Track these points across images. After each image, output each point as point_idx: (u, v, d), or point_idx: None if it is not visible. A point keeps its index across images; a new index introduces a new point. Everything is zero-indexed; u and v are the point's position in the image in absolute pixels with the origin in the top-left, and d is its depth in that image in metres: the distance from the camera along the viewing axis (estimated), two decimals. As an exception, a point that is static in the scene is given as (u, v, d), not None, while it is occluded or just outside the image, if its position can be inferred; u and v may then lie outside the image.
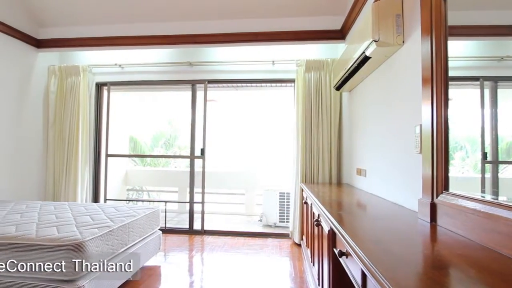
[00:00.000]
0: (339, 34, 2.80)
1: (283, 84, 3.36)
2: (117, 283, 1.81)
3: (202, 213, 3.33)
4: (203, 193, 3.33)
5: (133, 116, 5.67)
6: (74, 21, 3.08)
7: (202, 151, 3.33)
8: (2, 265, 1.46)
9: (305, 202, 2.44)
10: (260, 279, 2.16)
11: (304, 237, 2.70)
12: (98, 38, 3.07)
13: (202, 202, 3.33)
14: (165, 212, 3.51)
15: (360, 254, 0.72)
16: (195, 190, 3.45)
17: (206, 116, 3.33)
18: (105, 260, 1.65)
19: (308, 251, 2.21)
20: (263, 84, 3.43)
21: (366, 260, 0.67)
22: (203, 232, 3.31)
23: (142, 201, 5.74)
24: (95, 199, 3.54)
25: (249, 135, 6.59)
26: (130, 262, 1.91)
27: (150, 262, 2.39)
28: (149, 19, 2.96)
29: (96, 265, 1.55)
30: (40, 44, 3.18)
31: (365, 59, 1.73)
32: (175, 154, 7.31)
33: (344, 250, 0.95)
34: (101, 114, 3.56)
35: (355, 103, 2.58)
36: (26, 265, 1.45)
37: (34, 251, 1.46)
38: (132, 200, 5.56)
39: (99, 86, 3.54)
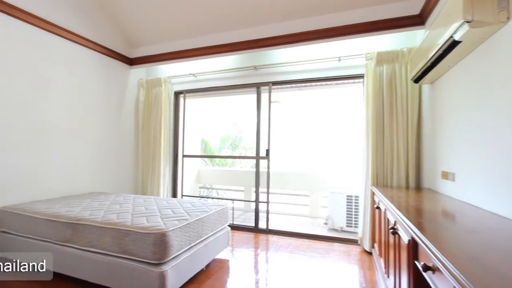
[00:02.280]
0: (417, 20, 2.48)
1: (350, 81, 3.16)
2: (194, 270, 2.00)
3: (267, 212, 3.40)
4: (268, 193, 3.40)
5: (204, 119, 6.18)
6: (157, 40, 3.55)
7: (267, 151, 3.40)
8: (112, 248, 1.78)
9: (377, 207, 2.24)
10: (327, 286, 2.07)
11: (376, 245, 2.48)
12: (176, 52, 3.46)
13: (267, 202, 3.39)
14: (233, 209, 3.72)
15: (454, 272, 0.62)
16: (260, 189, 3.54)
17: (270, 117, 3.39)
18: (183, 250, 1.85)
19: (381, 260, 2.02)
20: (328, 82, 3.29)
21: (463, 280, 0.57)
22: (267, 231, 3.38)
23: (212, 198, 6.20)
24: (174, 194, 4.00)
25: (314, 135, 6.43)
26: (203, 253, 2.10)
27: (220, 256, 2.56)
28: (218, 29, 3.18)
29: (176, 253, 1.75)
30: (132, 62, 3.78)
31: (453, 45, 1.48)
32: (241, 155, 7.66)
33: (430, 264, 0.84)
34: (178, 119, 4.02)
35: (439, 96, 2.23)
36: (125, 248, 1.73)
37: (130, 236, 1.74)
38: (203, 197, 6.06)
39: (177, 95, 4.01)
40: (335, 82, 3.25)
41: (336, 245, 2.96)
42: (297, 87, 3.50)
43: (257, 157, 3.53)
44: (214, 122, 7.27)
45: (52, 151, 2.79)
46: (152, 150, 3.79)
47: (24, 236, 2.16)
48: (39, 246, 2.07)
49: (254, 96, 3.58)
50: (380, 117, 2.73)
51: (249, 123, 7.71)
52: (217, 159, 7.25)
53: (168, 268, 1.66)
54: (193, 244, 1.96)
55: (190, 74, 3.74)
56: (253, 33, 3.05)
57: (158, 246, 1.64)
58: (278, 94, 4.22)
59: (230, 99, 6.33)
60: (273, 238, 3.20)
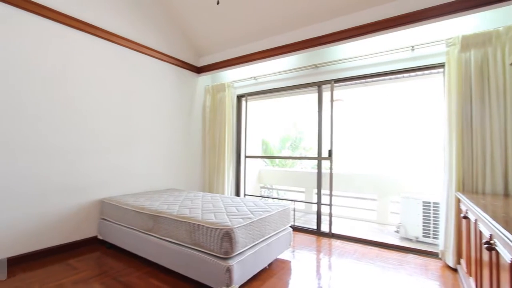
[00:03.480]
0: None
1: (427, 72, 2.79)
2: (257, 268, 2.06)
3: (330, 215, 3.27)
4: (330, 195, 3.26)
5: (264, 121, 6.31)
6: (220, 48, 3.79)
7: (330, 152, 3.27)
8: (185, 239, 1.98)
9: (465, 217, 1.92)
10: (401, 300, 1.88)
11: (462, 261, 2.13)
12: (238, 57, 3.63)
13: (330, 205, 3.26)
14: (294, 211, 3.69)
15: None
16: (322, 191, 3.43)
17: (333, 116, 3.25)
18: (248, 247, 1.92)
19: (471, 280, 1.72)
20: (399, 76, 2.98)
21: None
22: (330, 235, 3.25)
23: (273, 198, 6.28)
24: (237, 193, 4.21)
25: (382, 134, 5.90)
26: (266, 252, 2.15)
27: (282, 256, 2.58)
28: (277, 31, 3.22)
29: (241, 249, 1.83)
30: (199, 70, 4.12)
31: None
32: (301, 156, 7.55)
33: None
34: (240, 121, 4.21)
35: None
36: (196, 240, 1.90)
37: (200, 230, 1.89)
38: (264, 197, 6.19)
39: (239, 98, 4.20)
40: (407, 74, 2.92)
41: (410, 257, 2.65)
42: (362, 83, 3.28)
43: (319, 158, 3.43)
44: (274, 123, 7.35)
45: (137, 153, 3.26)
46: (217, 151, 4.06)
47: (117, 224, 2.58)
48: (128, 233, 2.44)
49: (315, 95, 3.49)
50: (467, 112, 2.34)
51: (309, 123, 7.55)
52: (277, 160, 7.31)
53: (234, 263, 1.75)
54: (256, 242, 2.02)
55: (251, 77, 3.89)
56: (313, 31, 2.98)
57: (225, 241, 1.74)
58: (341, 92, 4.02)
59: (290, 100, 6.31)
60: (336, 242, 3.06)
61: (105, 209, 2.75)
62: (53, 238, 2.49)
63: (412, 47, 2.70)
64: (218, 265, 1.75)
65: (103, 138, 2.90)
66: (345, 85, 3.36)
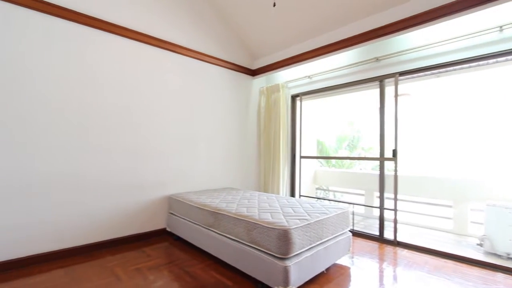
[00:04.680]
0: None
1: (521, 56, 2.33)
2: (315, 271, 2.01)
3: (395, 221, 2.99)
4: (395, 199, 2.99)
5: (319, 120, 6.12)
6: (274, 49, 3.83)
7: (394, 152, 2.99)
8: (243, 237, 2.06)
9: None
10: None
11: None
12: (291, 57, 3.61)
13: (395, 210, 2.99)
14: (353, 214, 3.49)
15: None
16: (386, 195, 3.16)
17: (397, 113, 2.97)
18: (305, 249, 1.89)
19: None
20: (481, 62, 2.55)
21: None
22: (396, 243, 2.97)
23: (329, 200, 6.05)
24: (292, 193, 4.18)
25: (459, 131, 5.14)
26: (323, 255, 2.08)
27: (340, 261, 2.46)
28: (332, 27, 3.09)
29: (298, 251, 1.82)
30: (254, 73, 4.23)
31: None
32: (360, 156, 7.10)
33: None
34: (295, 121, 4.17)
35: None
36: (253, 239, 1.95)
37: (257, 229, 1.94)
38: (320, 198, 6.01)
39: (293, 98, 4.17)
40: (494, 60, 2.48)
41: (500, 276, 2.24)
42: (433, 74, 2.91)
43: (381, 159, 3.17)
44: (330, 123, 7.08)
45: (198, 154, 3.52)
46: (272, 152, 4.10)
47: (183, 218, 2.82)
48: (192, 227, 2.65)
49: (376, 91, 3.24)
50: None
51: (368, 121, 7.06)
52: (333, 160, 7.02)
53: (291, 264, 1.74)
54: (313, 245, 1.98)
55: (305, 76, 3.82)
56: (373, 22, 2.77)
57: (282, 242, 1.75)
58: (407, 85, 3.64)
59: (346, 98, 5.99)
60: (402, 252, 2.78)
61: (172, 204, 3.04)
62: (131, 228, 2.86)
63: (501, 27, 2.28)
64: (275, 265, 1.76)
65: (170, 140, 3.21)
66: (412, 77, 3.03)
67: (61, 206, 2.41)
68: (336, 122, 7.32)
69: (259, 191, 4.26)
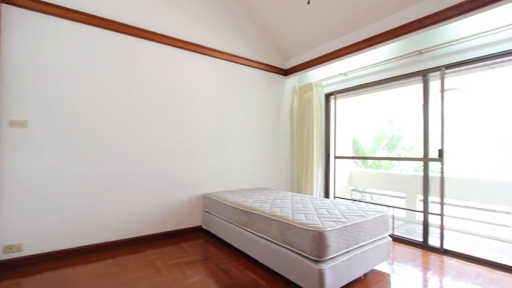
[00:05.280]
0: None
1: None
2: (351, 276, 1.93)
3: (441, 228, 2.75)
4: (442, 203, 2.75)
5: (355, 119, 5.87)
6: (306, 48, 3.76)
7: (440, 152, 2.76)
8: (276, 237, 2.05)
9: None
10: None
11: None
12: (325, 55, 3.51)
13: (441, 215, 2.75)
14: (393, 218, 3.29)
15: None
16: (430, 198, 2.93)
17: (443, 110, 2.73)
18: (341, 252, 1.83)
19: None
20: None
21: None
22: (442, 251, 2.73)
23: (366, 202, 5.77)
24: (326, 195, 4.07)
25: (517, 129, 4.58)
26: (361, 260, 1.99)
27: (379, 267, 2.34)
28: (368, 21, 2.95)
29: (334, 254, 1.76)
30: (286, 72, 4.20)
31: None
32: (400, 156, 6.67)
33: None
34: (329, 121, 4.06)
35: None
36: (287, 239, 1.94)
37: (291, 229, 1.92)
38: (356, 200, 5.77)
39: (327, 96, 4.06)
40: None
41: None
42: (487, 65, 2.62)
43: (425, 159, 2.94)
44: (366, 121, 6.75)
45: (231, 154, 3.59)
46: (306, 152, 4.03)
47: (217, 217, 2.90)
48: (226, 226, 2.71)
49: (419, 86, 3.02)
50: None
51: (409, 119, 6.60)
52: (370, 161, 6.69)
53: (326, 267, 1.70)
54: (350, 248, 1.90)
55: (340, 74, 3.69)
56: (417, 12, 2.58)
57: (316, 244, 1.71)
58: (455, 79, 3.32)
59: (384, 94, 5.66)
60: (450, 261, 2.55)
61: (208, 203, 3.14)
62: (169, 224, 3.02)
63: None
64: (309, 267, 1.73)
65: (204, 141, 3.33)
66: (461, 70, 2.76)
67: (111, 203, 2.63)
68: (373, 120, 6.96)
69: (292, 191, 4.22)
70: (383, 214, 2.27)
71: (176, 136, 3.08)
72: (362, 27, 3.05)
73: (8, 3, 2.16)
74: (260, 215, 2.25)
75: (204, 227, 3.20)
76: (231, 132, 3.59)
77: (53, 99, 2.36)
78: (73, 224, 2.44)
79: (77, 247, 2.46)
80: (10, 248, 2.17)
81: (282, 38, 3.85)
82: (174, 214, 3.05)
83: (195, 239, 3.01)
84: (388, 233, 2.33)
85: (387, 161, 6.63)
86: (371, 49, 3.02)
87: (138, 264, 2.33)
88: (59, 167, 2.38)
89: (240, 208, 2.52)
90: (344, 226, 1.88)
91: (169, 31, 3.00)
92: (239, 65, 3.66)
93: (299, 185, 4.15)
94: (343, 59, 3.33)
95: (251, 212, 2.36)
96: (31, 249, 2.26)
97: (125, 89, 2.73)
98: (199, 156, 3.27)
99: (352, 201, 4.97)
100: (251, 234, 2.33)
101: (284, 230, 1.98)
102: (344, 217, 2.05)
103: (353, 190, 5.82)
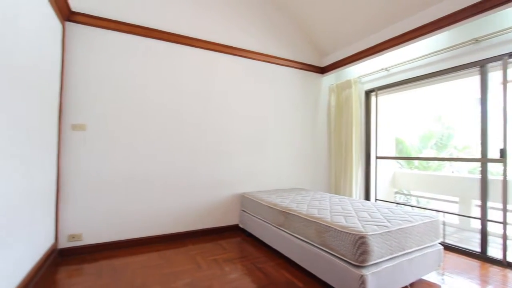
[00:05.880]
0: None
1: None
2: (396, 285, 1.81)
3: (504, 238, 2.44)
4: (504, 210, 2.44)
5: (398, 116, 5.49)
6: (343, 44, 3.61)
7: (502, 152, 2.45)
8: (314, 239, 2.01)
9: None
10: None
11: None
12: (365, 50, 3.34)
13: (504, 223, 2.43)
14: (444, 224, 3.01)
15: None
16: (489, 204, 2.61)
17: (506, 104, 2.42)
18: (384, 259, 1.72)
19: None
20: None
21: None
22: (505, 264, 2.41)
23: (412, 206, 5.36)
24: (366, 197, 3.86)
25: None
26: (407, 268, 1.85)
27: (427, 277, 2.15)
28: (410, 12, 2.73)
29: (377, 260, 1.66)
30: (323, 70, 4.09)
31: None
32: (451, 156, 6.08)
33: None
34: (369, 119, 3.85)
35: None
36: (325, 242, 1.88)
37: (330, 232, 1.86)
38: (400, 204, 5.38)
39: (367, 93, 3.85)
40: None
41: None
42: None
43: (484, 160, 2.63)
44: (411, 119, 6.26)
45: (268, 154, 3.60)
46: (344, 152, 3.88)
47: (254, 216, 2.94)
48: (262, 225, 2.73)
49: (473, 79, 2.72)
50: None
51: (461, 116, 5.98)
52: (416, 162, 6.19)
53: (368, 273, 1.61)
54: (395, 255, 1.78)
55: (382, 69, 3.48)
56: (470, -2, 2.32)
57: (358, 248, 1.63)
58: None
59: (432, 89, 5.20)
60: (517, 276, 2.24)
61: (244, 202, 3.19)
62: (208, 222, 3.14)
63: None
64: (350, 272, 1.66)
65: (241, 141, 3.39)
66: (529, 59, 2.42)
67: (157, 201, 2.84)
68: (419, 118, 6.43)
69: (330, 192, 4.09)
70: (433, 219, 2.08)
71: (214, 138, 3.19)
72: (407, 18, 2.83)
73: (70, 20, 2.44)
74: (297, 215, 2.22)
75: (240, 225, 3.26)
76: (267, 133, 3.60)
77: (106, 105, 2.61)
78: (125, 218, 2.67)
79: (126, 239, 2.68)
80: (73, 237, 2.45)
81: (319, 35, 3.75)
82: (212, 212, 3.16)
83: (232, 237, 3.08)
84: (439, 241, 2.13)
85: (436, 162, 6.07)
86: (418, 41, 2.79)
87: (180, 258, 2.46)
88: (114, 167, 2.62)
89: (277, 208, 2.51)
90: (388, 231, 1.76)
91: (204, 35, 3.12)
92: (274, 65, 3.66)
93: (337, 186, 4.01)
94: (385, 53, 3.13)
95: (288, 213, 2.34)
96: (89, 239, 2.52)
97: (169, 95, 2.92)
98: (236, 156, 3.34)
99: (395, 204, 4.65)
100: (288, 235, 2.32)
101: (323, 232, 1.92)
102: (388, 221, 1.92)
103: (396, 192, 5.44)
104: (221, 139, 3.24)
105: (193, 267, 2.27)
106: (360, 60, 3.45)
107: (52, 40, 2.14)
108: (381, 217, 2.04)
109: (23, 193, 1.64)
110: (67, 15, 2.38)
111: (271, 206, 2.61)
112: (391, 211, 2.22)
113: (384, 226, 1.81)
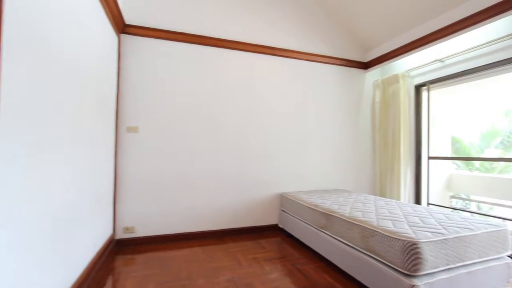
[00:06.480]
0: None
1: None
2: (454, 299, 1.64)
3: None
4: None
5: (454, 113, 4.95)
6: (389, 36, 3.37)
7: None
8: (358, 243, 1.92)
9: None
10: None
11: None
12: (415, 41, 3.07)
13: None
14: (513, 234, 2.62)
15: None
16: None
17: None
18: (439, 269, 1.57)
19: None
20: None
21: None
22: None
23: (471, 212, 4.79)
24: (416, 201, 3.56)
25: None
26: (466, 282, 1.66)
27: (495, 294, 1.90)
28: (476, -8, 2.43)
29: (430, 270, 1.52)
30: (366, 65, 3.87)
31: None
32: (522, 157, 5.28)
33: None
34: (420, 116, 3.54)
35: None
36: (370, 247, 1.78)
37: (376, 237, 1.76)
38: (457, 209, 4.85)
39: (417, 88, 3.55)
40: None
41: None
42: None
43: None
44: (471, 115, 5.59)
45: (309, 154, 3.54)
46: (391, 151, 3.63)
47: (294, 216, 2.91)
48: (303, 226, 2.68)
49: (554, 67, 2.32)
50: None
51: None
52: (477, 163, 5.52)
53: (421, 284, 1.48)
54: (451, 266, 1.61)
55: (435, 60, 3.17)
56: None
57: (408, 255, 1.51)
58: None
59: (496, 81, 4.57)
60: None
61: (284, 202, 3.18)
62: (248, 220, 3.19)
63: None
64: (400, 281, 1.55)
65: (281, 141, 3.38)
66: None
67: (202, 199, 3.00)
68: (481, 113, 5.70)
69: (375, 195, 3.86)
70: (500, 228, 1.84)
71: (255, 139, 3.24)
72: (464, 2, 2.54)
73: (125, 33, 2.69)
74: (340, 218, 2.14)
75: (280, 225, 3.26)
76: (307, 132, 3.54)
77: (156, 110, 2.82)
78: (172, 214, 2.86)
79: (172, 234, 2.86)
80: (127, 229, 2.70)
81: (362, 27, 3.56)
82: (253, 211, 3.21)
83: (272, 237, 3.09)
84: (508, 253, 1.87)
85: (502, 163, 5.33)
86: (479, 27, 2.48)
87: (221, 254, 2.55)
88: (162, 167, 2.84)
89: (318, 209, 2.45)
90: (444, 239, 1.60)
91: (247, 38, 3.18)
92: (314, 62, 3.58)
93: (382, 188, 3.77)
94: (438, 42, 2.84)
95: (330, 214, 2.27)
96: (141, 231, 2.75)
97: (214, 100, 3.06)
98: (276, 156, 3.35)
99: (452, 209, 4.21)
100: (329, 237, 2.24)
101: (368, 237, 1.82)
102: (444, 228, 1.75)
103: (452, 197, 4.90)
104: (261, 139, 3.27)
105: (234, 264, 2.34)
106: (410, 52, 3.18)
107: (112, 52, 2.39)
108: (435, 223, 1.87)
109: (90, 189, 1.86)
110: (122, 27, 2.62)
111: (312, 207, 2.56)
112: (447, 217, 2.02)
113: (440, 233, 1.65)
